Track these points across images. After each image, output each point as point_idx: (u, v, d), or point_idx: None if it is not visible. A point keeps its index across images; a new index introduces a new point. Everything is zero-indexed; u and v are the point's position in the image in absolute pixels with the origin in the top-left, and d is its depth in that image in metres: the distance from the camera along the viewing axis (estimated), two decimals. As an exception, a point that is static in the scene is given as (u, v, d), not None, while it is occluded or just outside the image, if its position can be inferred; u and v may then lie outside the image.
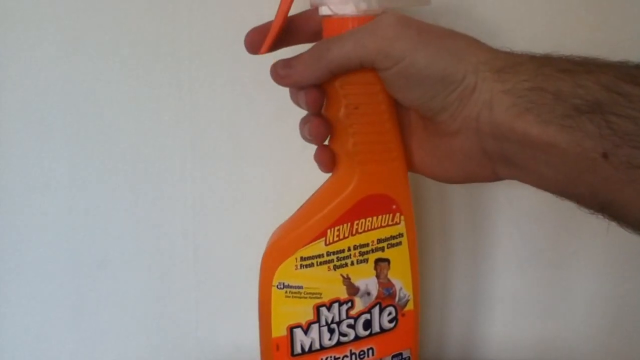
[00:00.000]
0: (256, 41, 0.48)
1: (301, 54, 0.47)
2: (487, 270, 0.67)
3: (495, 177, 0.45)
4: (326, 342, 0.51)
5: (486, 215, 0.66)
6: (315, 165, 0.61)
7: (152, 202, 0.63)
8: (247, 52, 0.58)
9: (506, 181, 0.65)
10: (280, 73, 0.47)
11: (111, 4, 0.59)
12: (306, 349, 0.51)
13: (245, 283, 0.63)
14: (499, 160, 0.42)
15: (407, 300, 0.53)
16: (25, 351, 0.65)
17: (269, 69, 0.58)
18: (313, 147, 0.60)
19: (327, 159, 0.49)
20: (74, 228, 0.63)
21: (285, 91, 0.58)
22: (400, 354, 0.53)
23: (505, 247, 0.67)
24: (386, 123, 0.49)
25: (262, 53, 0.48)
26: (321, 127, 0.48)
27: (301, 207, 0.52)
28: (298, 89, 0.48)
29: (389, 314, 0.52)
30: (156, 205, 0.63)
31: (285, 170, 0.63)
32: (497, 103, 0.39)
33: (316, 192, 0.52)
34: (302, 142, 0.61)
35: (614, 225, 0.66)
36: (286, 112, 0.60)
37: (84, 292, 0.64)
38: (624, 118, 0.34)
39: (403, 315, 0.53)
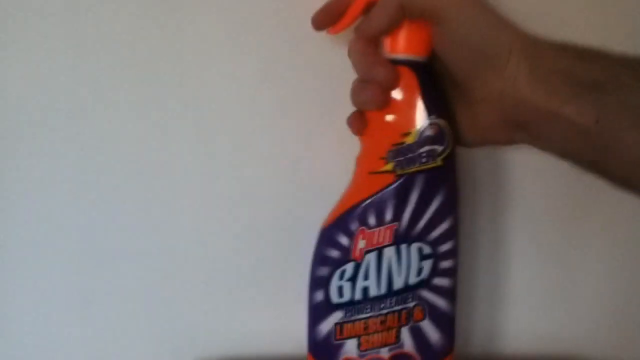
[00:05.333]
0: (326, 21, 0.52)
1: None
2: (502, 266, 0.67)
3: (511, 142, 0.50)
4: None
5: (499, 211, 0.66)
6: (318, 163, 0.61)
7: (154, 202, 0.63)
8: (250, 50, 0.58)
9: (520, 179, 0.65)
10: (361, 27, 0.50)
11: (113, 2, 0.59)
12: None
13: (247, 283, 0.63)
14: (516, 127, 0.48)
15: None
16: (30, 349, 0.66)
17: (271, 66, 0.58)
18: (316, 147, 0.60)
19: (361, 125, 0.51)
20: (76, 228, 0.63)
21: (287, 89, 0.58)
22: None
23: (519, 243, 0.67)
24: None
25: (334, 33, 0.51)
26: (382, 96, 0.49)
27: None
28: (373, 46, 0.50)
29: None
30: (159, 204, 0.63)
31: (288, 169, 0.63)
32: (521, 81, 0.45)
33: None
34: (304, 140, 0.61)
35: (619, 221, 0.67)
36: (289, 111, 0.60)
37: (87, 291, 0.64)
38: (615, 97, 0.43)
39: None
